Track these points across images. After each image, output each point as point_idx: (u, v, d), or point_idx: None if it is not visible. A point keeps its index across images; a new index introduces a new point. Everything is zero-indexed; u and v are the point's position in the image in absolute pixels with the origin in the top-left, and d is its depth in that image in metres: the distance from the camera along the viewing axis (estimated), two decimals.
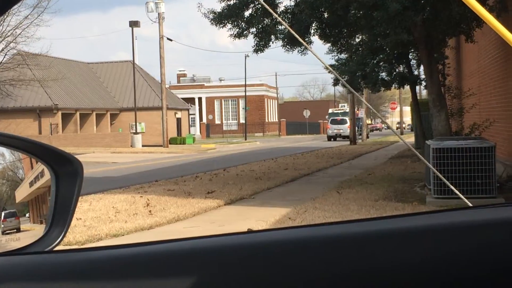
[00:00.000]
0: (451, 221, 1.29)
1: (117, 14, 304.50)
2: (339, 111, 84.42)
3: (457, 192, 2.56)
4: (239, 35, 19.69)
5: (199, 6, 19.78)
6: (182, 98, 78.57)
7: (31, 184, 1.84)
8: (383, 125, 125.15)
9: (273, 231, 1.34)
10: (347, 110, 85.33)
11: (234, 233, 1.31)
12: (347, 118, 62.62)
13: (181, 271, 1.22)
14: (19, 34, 45.60)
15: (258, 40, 19.97)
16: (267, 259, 1.23)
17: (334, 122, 67.02)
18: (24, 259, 1.34)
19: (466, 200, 2.25)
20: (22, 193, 1.84)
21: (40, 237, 1.66)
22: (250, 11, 19.57)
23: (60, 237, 1.63)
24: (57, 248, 1.61)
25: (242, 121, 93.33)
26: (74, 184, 1.67)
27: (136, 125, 56.92)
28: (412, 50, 24.11)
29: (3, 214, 1.80)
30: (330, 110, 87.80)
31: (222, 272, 1.21)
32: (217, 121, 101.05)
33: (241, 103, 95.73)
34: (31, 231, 1.79)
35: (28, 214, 1.84)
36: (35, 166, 1.80)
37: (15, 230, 1.79)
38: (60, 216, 1.66)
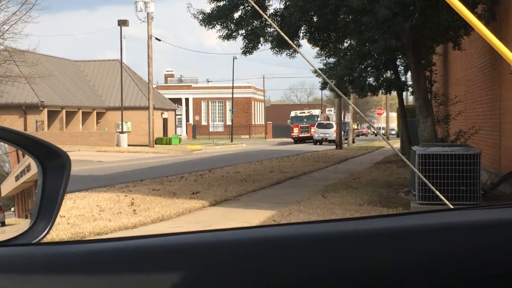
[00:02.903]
0: (431, 223, 1.30)
1: (104, 13, 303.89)
2: (303, 115, 77.74)
3: (440, 196, 2.57)
4: (228, 37, 19.70)
5: (188, 7, 19.82)
6: (169, 99, 78.47)
7: (17, 178, 1.83)
8: (368, 130, 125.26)
9: (266, 228, 1.34)
10: (314, 113, 77.41)
11: (222, 229, 1.32)
12: (333, 123, 62.32)
13: (169, 265, 1.22)
14: (7, 30, 45.38)
15: (247, 42, 19.99)
16: (258, 255, 1.23)
17: (320, 126, 67.19)
18: (9, 250, 1.33)
19: (447, 202, 2.26)
20: (7, 186, 1.83)
21: (26, 230, 1.65)
22: (239, 12, 19.59)
23: (46, 230, 1.62)
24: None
25: (228, 122, 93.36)
26: (61, 178, 1.66)
27: (122, 124, 56.79)
28: (400, 56, 24.21)
29: None
30: (293, 113, 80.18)
31: (209, 268, 1.21)
32: (204, 122, 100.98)
33: (228, 104, 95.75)
34: (16, 225, 1.78)
35: (13, 208, 1.83)
36: (22, 160, 1.79)
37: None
38: (46, 209, 1.65)
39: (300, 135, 74.10)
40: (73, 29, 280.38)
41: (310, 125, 73.20)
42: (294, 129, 75.53)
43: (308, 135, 73.08)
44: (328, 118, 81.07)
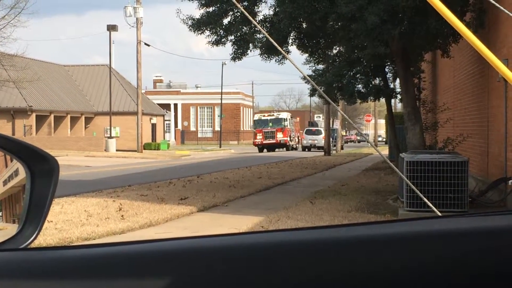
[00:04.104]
0: (419, 230, 1.30)
1: (92, 18, 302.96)
2: (268, 118, 66.90)
3: (428, 203, 2.58)
4: (217, 42, 19.71)
5: (178, 12, 19.80)
6: (158, 104, 78.42)
7: (4, 182, 1.82)
8: (357, 137, 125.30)
9: (254, 234, 1.35)
10: (281, 117, 67.15)
11: (211, 236, 1.32)
12: (322, 129, 61.86)
13: (158, 271, 1.22)
14: None
15: (236, 48, 19.99)
16: (247, 261, 1.23)
17: (309, 132, 67.25)
18: None
19: (435, 209, 2.26)
20: None
21: (13, 235, 1.64)
22: (228, 18, 19.60)
23: (34, 236, 1.62)
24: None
25: (217, 128, 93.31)
26: (49, 183, 1.66)
27: (110, 129, 56.69)
28: (389, 63, 24.26)
29: None
30: (256, 117, 69.87)
31: (198, 274, 1.21)
32: (192, 128, 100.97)
33: (217, 110, 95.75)
34: (3, 230, 1.77)
35: (1, 213, 1.82)
36: (10, 164, 1.79)
37: None
38: (34, 214, 1.65)
39: (264, 142, 64.13)
40: (61, 33, 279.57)
41: (276, 130, 64.57)
42: (257, 134, 64.99)
43: (274, 141, 64.33)
44: (316, 124, 78.58)
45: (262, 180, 22.88)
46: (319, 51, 22.76)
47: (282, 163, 35.84)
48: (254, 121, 69.19)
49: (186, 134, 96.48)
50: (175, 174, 26.20)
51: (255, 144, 64.93)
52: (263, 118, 67.20)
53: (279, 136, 64.14)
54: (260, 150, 63.04)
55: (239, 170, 28.60)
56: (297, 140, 71.64)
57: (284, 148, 65.08)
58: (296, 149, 68.62)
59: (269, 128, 64.87)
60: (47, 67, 65.48)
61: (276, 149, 64.11)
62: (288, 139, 65.49)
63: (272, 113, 71.70)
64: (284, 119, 67.05)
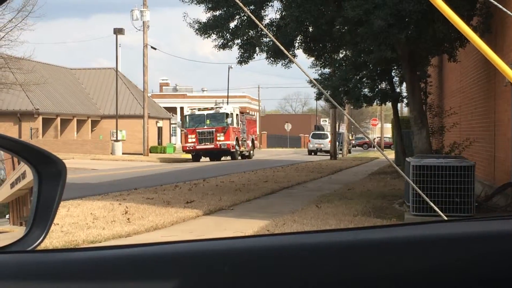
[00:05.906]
0: (425, 234, 1.30)
1: (97, 21, 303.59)
2: (205, 113, 47.88)
3: (435, 207, 2.57)
4: (223, 46, 19.73)
5: (184, 16, 19.83)
6: (164, 107, 78.53)
7: (12, 185, 1.83)
8: (353, 141, 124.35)
9: (260, 237, 1.35)
10: (222, 111, 48.47)
11: (217, 239, 1.32)
12: (328, 133, 61.56)
13: (164, 274, 1.22)
14: (3, 37, 45.36)
15: (242, 51, 20.02)
16: (252, 264, 1.23)
17: (315, 136, 67.34)
18: (4, 257, 1.33)
19: (441, 213, 2.26)
20: (2, 194, 1.83)
21: (21, 237, 1.65)
22: (235, 22, 19.63)
23: (41, 238, 1.62)
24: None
25: None
26: (56, 185, 1.66)
27: (117, 132, 56.78)
28: (395, 67, 24.25)
29: None
30: (189, 111, 50.36)
31: (204, 277, 1.22)
32: None
33: None
34: (11, 233, 1.78)
35: (8, 215, 1.83)
36: (17, 167, 1.79)
37: None
38: (41, 217, 1.65)
39: (198, 147, 46.76)
40: (68, 36, 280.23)
41: (216, 130, 46.75)
42: (189, 136, 46.88)
43: (212, 146, 46.60)
44: (322, 128, 78.17)
45: (268, 183, 22.87)
46: (326, 55, 22.76)
47: (288, 167, 35.84)
48: (185, 116, 49.76)
49: None
50: (181, 178, 26.22)
51: (185, 150, 48.22)
52: (197, 113, 48.22)
53: (220, 138, 46.72)
54: (195, 159, 46.96)
55: (245, 174, 28.60)
56: (250, 144, 53.54)
57: (229, 157, 48.74)
58: (249, 157, 52.20)
59: (205, 127, 47.13)
60: (54, 70, 65.66)
61: (222, 157, 48.74)
62: (234, 143, 47.97)
63: (212, 107, 50.26)
64: (228, 114, 48.36)
